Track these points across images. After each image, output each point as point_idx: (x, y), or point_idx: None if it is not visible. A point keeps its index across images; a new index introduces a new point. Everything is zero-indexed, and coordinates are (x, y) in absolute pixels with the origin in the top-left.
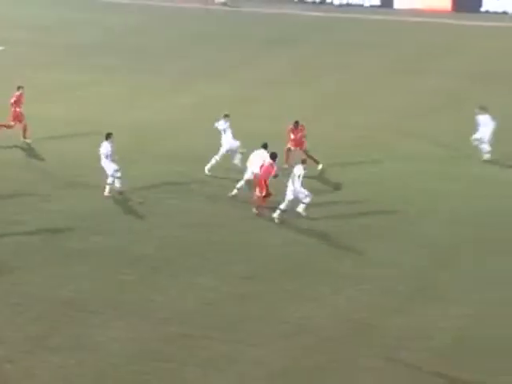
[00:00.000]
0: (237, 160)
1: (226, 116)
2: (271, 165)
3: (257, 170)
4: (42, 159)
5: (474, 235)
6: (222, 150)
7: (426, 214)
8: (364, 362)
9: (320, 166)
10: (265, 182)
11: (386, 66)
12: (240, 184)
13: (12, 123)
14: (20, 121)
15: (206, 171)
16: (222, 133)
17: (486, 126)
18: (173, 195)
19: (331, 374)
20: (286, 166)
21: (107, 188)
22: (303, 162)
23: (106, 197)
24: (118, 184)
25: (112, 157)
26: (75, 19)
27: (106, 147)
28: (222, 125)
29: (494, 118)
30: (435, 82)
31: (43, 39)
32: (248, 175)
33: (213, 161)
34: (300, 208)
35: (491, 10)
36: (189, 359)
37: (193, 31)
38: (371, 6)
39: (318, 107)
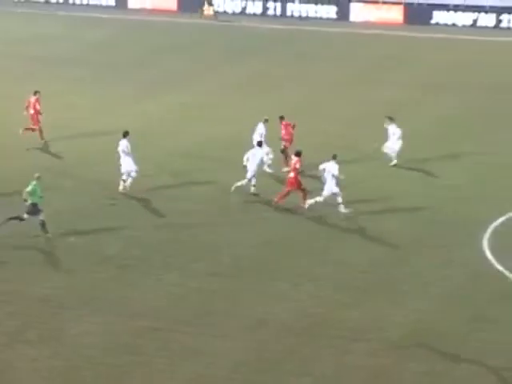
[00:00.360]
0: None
1: (266, 121)
2: (297, 162)
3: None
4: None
5: (427, 233)
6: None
7: (384, 212)
8: (322, 353)
9: (285, 169)
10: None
11: (342, 76)
12: (241, 183)
13: (35, 126)
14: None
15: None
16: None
17: (394, 135)
18: (142, 197)
19: (291, 364)
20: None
21: (121, 184)
22: (334, 157)
23: (121, 192)
24: (128, 183)
25: (130, 153)
26: (49, 34)
27: (123, 144)
28: (261, 129)
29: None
30: (389, 92)
31: (19, 52)
32: (250, 174)
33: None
34: (341, 208)
35: (441, 22)
36: (159, 351)
37: (160, 43)
38: (328, 19)
39: (276, 115)
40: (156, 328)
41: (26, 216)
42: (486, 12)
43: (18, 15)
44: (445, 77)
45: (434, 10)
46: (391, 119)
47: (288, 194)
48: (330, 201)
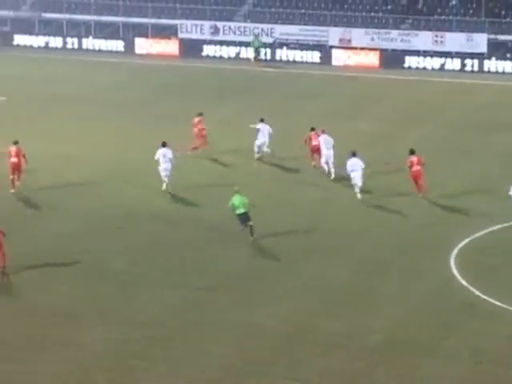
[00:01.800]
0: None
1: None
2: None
3: None
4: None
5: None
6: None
7: (357, 233)
8: (304, 358)
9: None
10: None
11: (325, 112)
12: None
13: (199, 144)
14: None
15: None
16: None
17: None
18: (147, 220)
19: (278, 368)
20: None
21: (164, 184)
22: (354, 154)
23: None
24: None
25: (171, 160)
26: (64, 75)
27: (160, 153)
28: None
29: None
30: (367, 125)
31: (35, 91)
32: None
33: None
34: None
35: (413, 66)
36: (159, 357)
37: (164, 84)
38: (313, 63)
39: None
40: (157, 337)
41: (241, 227)
42: (452, 57)
43: (37, 59)
44: (415, 113)
45: (406, 55)
46: (262, 121)
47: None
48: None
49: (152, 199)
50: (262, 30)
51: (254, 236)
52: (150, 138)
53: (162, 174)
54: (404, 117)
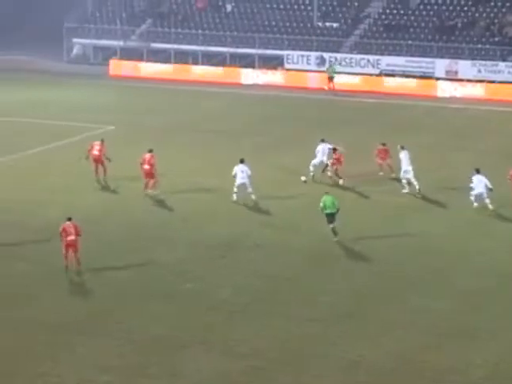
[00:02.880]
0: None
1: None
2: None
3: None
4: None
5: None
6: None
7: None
8: None
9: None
10: None
11: (428, 143)
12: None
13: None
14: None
15: None
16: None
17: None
18: (250, 249)
19: None
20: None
21: (235, 196)
22: (477, 171)
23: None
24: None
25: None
26: (168, 104)
27: (238, 169)
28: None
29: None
30: (471, 158)
31: (140, 121)
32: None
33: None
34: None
35: None
36: None
37: (264, 114)
38: (418, 94)
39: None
40: (260, 367)
41: (331, 225)
42: None
43: (144, 88)
44: None
45: None
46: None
47: None
48: None
49: (255, 228)
50: (368, 60)
51: (338, 237)
52: (255, 167)
53: (237, 187)
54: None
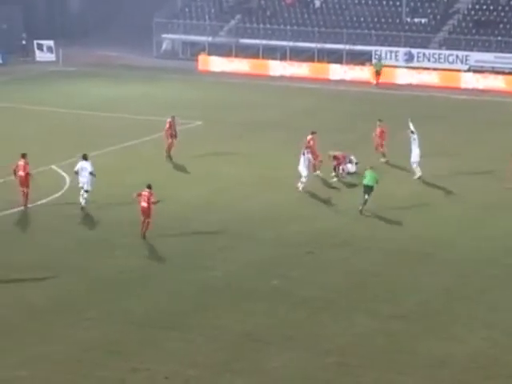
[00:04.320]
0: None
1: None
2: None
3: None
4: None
5: None
6: None
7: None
8: None
9: None
10: None
11: None
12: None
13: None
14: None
15: None
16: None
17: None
18: (337, 245)
19: None
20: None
21: (300, 186)
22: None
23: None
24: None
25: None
26: (256, 100)
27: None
28: None
29: None
30: None
31: (227, 117)
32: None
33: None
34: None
35: None
36: None
37: (349, 111)
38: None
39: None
40: (343, 363)
41: (366, 196)
42: None
43: (233, 84)
44: None
45: None
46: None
47: None
48: None
49: (344, 224)
50: (457, 56)
51: (365, 207)
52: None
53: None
54: None
